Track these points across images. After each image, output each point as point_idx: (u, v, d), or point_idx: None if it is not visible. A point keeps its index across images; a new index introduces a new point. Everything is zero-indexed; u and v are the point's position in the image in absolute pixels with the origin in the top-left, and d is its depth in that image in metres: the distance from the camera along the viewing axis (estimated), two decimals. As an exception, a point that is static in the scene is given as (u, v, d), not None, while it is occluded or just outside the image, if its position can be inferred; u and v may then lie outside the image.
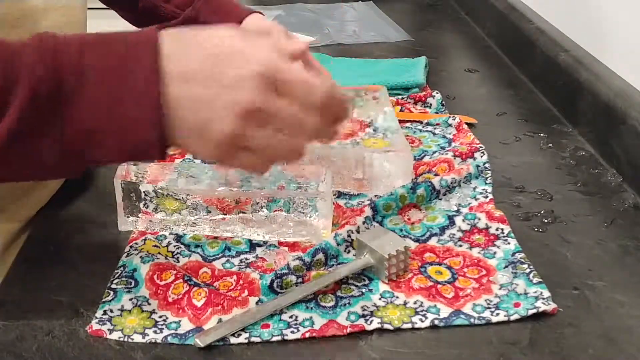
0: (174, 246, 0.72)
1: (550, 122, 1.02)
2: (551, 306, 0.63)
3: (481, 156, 0.86)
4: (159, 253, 0.70)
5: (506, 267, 0.69)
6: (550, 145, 0.95)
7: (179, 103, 0.52)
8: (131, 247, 0.71)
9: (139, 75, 0.51)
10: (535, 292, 0.65)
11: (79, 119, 0.52)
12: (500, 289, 0.66)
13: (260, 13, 0.90)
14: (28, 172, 0.56)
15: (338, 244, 0.70)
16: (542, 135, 0.97)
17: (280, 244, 0.73)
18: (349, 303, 0.65)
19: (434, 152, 0.90)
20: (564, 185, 0.85)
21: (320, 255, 0.69)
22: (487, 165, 0.85)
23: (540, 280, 0.66)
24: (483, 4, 1.43)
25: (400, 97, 1.07)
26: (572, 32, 1.10)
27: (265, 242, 0.73)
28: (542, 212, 0.79)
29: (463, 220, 0.75)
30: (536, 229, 0.76)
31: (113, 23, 2.09)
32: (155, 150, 0.53)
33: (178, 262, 0.70)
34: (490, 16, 1.39)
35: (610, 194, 0.83)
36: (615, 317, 0.63)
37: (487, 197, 0.80)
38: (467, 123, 0.98)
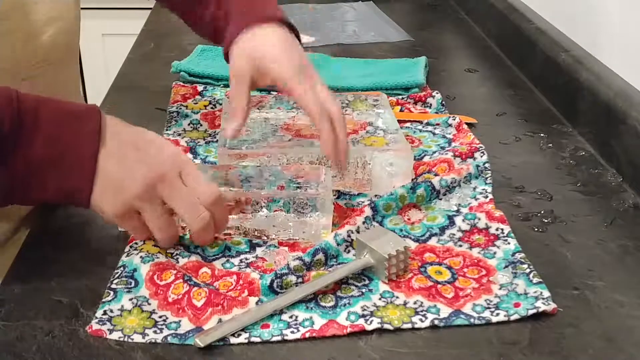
0: (173, 247, 0.72)
1: (550, 122, 1.02)
2: (551, 306, 0.63)
3: (481, 156, 0.86)
4: (159, 252, 0.70)
5: (506, 267, 0.69)
6: (550, 145, 0.95)
7: (107, 165, 0.65)
8: (131, 247, 0.71)
9: (84, 135, 0.65)
10: (535, 292, 0.65)
11: (30, 159, 0.63)
12: (500, 289, 0.66)
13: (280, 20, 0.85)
14: None
15: (338, 244, 0.70)
16: (542, 135, 0.97)
17: (280, 244, 0.73)
18: (349, 303, 0.65)
19: (434, 152, 0.90)
20: (564, 185, 0.85)
21: (320, 256, 0.69)
22: (487, 165, 0.85)
23: (540, 280, 0.66)
24: (483, 4, 1.43)
25: (400, 97, 1.07)
26: (572, 32, 1.10)
27: (265, 242, 0.73)
28: (542, 212, 0.79)
29: (463, 220, 0.75)
30: (536, 229, 0.76)
31: (111, 23, 2.07)
32: (84, 198, 0.66)
33: (178, 262, 0.70)
34: (490, 16, 1.39)
35: (610, 194, 0.83)
36: (615, 317, 0.63)
37: (487, 197, 0.80)
38: (467, 123, 0.98)
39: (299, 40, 0.85)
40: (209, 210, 0.68)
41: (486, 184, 0.83)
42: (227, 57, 0.85)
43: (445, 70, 1.22)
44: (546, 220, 0.78)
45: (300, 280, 0.66)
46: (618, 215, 0.79)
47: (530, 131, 0.99)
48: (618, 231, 0.76)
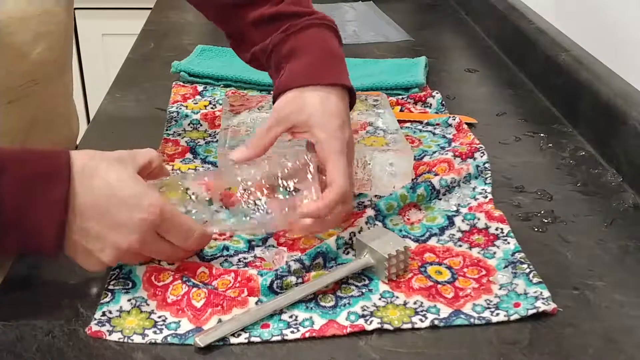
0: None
1: (550, 122, 1.02)
2: (551, 306, 0.63)
3: (481, 156, 0.86)
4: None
5: (506, 267, 0.69)
6: (550, 145, 0.95)
7: (75, 233, 0.62)
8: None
9: (50, 201, 0.61)
10: (535, 292, 0.65)
11: None
12: (500, 289, 0.66)
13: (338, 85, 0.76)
14: None
15: (338, 247, 0.70)
16: (542, 135, 0.97)
17: (280, 244, 0.73)
18: (349, 303, 0.65)
19: (434, 152, 0.90)
20: (564, 185, 0.85)
21: (320, 260, 0.69)
22: (487, 165, 0.85)
23: (540, 280, 0.66)
24: (483, 4, 1.43)
25: (400, 97, 1.07)
26: (572, 32, 1.10)
27: (264, 242, 0.73)
28: (542, 212, 0.79)
29: (462, 221, 0.75)
30: (536, 229, 0.76)
31: (111, 23, 2.08)
32: (53, 255, 0.63)
33: (173, 263, 0.70)
34: (490, 16, 1.39)
35: (610, 194, 0.83)
36: (615, 317, 0.63)
37: (486, 197, 0.80)
38: (467, 123, 0.98)
39: (354, 102, 0.79)
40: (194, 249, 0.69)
41: (486, 184, 0.83)
42: (278, 91, 0.77)
43: (445, 70, 1.22)
44: (546, 220, 0.78)
45: (300, 280, 0.66)
46: (618, 215, 0.79)
47: (530, 131, 0.99)
48: (618, 231, 0.76)
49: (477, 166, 0.84)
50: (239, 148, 0.75)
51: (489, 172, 0.85)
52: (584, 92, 0.97)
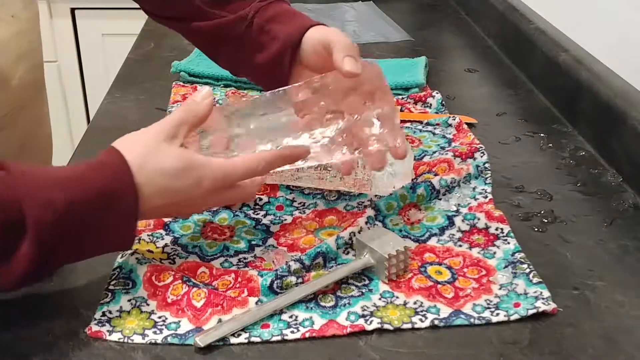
0: (171, 248, 0.72)
1: (550, 122, 1.02)
2: (551, 306, 0.63)
3: (481, 156, 0.86)
4: (153, 259, 0.69)
5: (506, 267, 0.69)
6: (550, 145, 0.95)
7: (152, 216, 0.68)
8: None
9: (120, 216, 0.61)
10: (535, 292, 0.65)
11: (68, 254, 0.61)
12: (500, 289, 0.66)
13: (323, 24, 0.79)
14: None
15: (338, 248, 0.70)
16: (542, 135, 0.97)
17: (279, 244, 0.73)
18: (349, 303, 0.65)
19: (434, 152, 0.90)
20: (564, 185, 0.85)
21: (320, 260, 0.69)
22: (487, 165, 0.85)
23: (540, 280, 0.66)
24: (483, 4, 1.43)
25: (400, 97, 1.07)
26: (572, 32, 1.10)
27: (264, 242, 0.73)
28: (542, 212, 0.79)
29: (462, 221, 0.75)
30: (536, 229, 0.76)
31: (111, 23, 2.07)
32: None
33: (174, 263, 0.70)
34: (490, 16, 1.39)
35: (610, 194, 0.83)
36: (615, 317, 0.63)
37: (486, 197, 0.80)
38: (467, 123, 0.98)
39: None
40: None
41: (486, 184, 0.83)
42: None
43: (445, 70, 1.22)
44: (546, 220, 0.78)
45: (300, 280, 0.66)
46: (618, 215, 0.79)
47: (530, 131, 0.99)
48: (618, 231, 0.76)
49: (477, 166, 0.84)
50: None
51: (489, 172, 0.85)
52: (584, 92, 0.97)
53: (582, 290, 0.66)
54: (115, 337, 0.61)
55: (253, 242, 0.74)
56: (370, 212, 0.75)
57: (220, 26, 0.83)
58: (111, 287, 0.66)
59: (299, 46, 0.78)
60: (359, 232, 0.72)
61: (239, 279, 0.67)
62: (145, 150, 0.63)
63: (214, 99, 0.69)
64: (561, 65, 1.04)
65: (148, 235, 0.73)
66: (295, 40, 0.78)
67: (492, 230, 0.74)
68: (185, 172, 0.64)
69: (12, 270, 0.57)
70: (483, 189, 0.82)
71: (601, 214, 0.79)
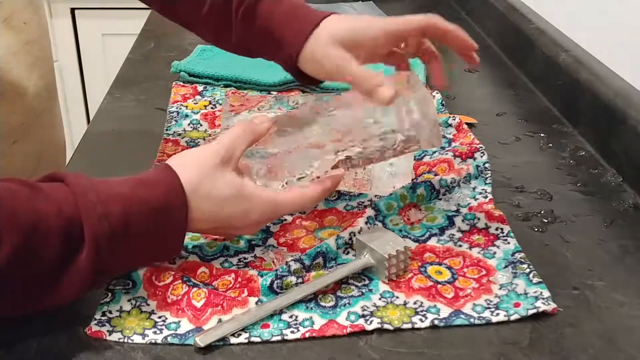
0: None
1: (550, 122, 1.01)
2: (551, 306, 0.63)
3: (481, 156, 0.86)
4: None
5: (506, 267, 0.69)
6: (550, 145, 0.95)
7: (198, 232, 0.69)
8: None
9: (171, 232, 0.63)
10: (535, 292, 0.65)
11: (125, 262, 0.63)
12: (500, 289, 0.66)
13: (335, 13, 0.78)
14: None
15: (338, 248, 0.70)
16: (542, 135, 0.97)
17: (279, 244, 0.73)
18: (349, 303, 0.65)
19: (434, 152, 0.90)
20: (564, 185, 0.85)
21: (320, 260, 0.69)
22: (487, 165, 0.85)
23: (540, 280, 0.66)
24: (483, 4, 1.43)
25: (400, 97, 1.06)
26: (572, 32, 1.10)
27: (264, 242, 0.73)
28: (542, 212, 0.79)
29: (462, 221, 0.75)
30: (536, 229, 0.76)
31: (111, 23, 2.07)
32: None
33: (174, 263, 0.70)
34: (490, 16, 1.39)
35: (610, 194, 0.83)
36: (615, 317, 0.63)
37: (486, 197, 0.80)
38: (467, 123, 0.98)
39: None
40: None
41: (486, 184, 0.83)
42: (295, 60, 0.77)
43: (445, 71, 1.22)
44: (546, 220, 0.78)
45: (300, 280, 0.66)
46: (618, 215, 0.79)
47: (530, 131, 0.99)
48: (618, 231, 0.76)
49: (477, 166, 0.84)
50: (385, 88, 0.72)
51: (489, 172, 0.85)
52: (584, 92, 0.97)
53: (582, 290, 0.66)
54: (115, 337, 0.61)
55: (253, 242, 0.74)
56: (370, 212, 0.75)
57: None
58: (111, 287, 0.66)
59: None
60: (359, 232, 0.72)
61: (239, 279, 0.67)
62: (199, 172, 0.65)
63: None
64: (561, 65, 1.04)
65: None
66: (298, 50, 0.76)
67: (492, 230, 0.74)
68: (236, 201, 0.66)
69: (71, 282, 0.58)
70: (483, 189, 0.82)
71: (601, 214, 0.79)
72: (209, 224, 0.66)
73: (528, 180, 0.86)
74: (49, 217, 0.57)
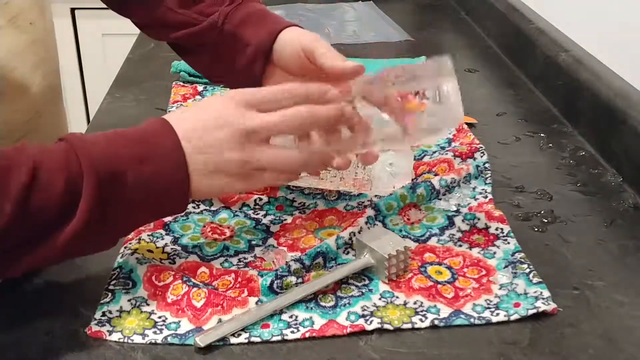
0: (171, 248, 0.72)
1: (550, 122, 1.02)
2: (551, 306, 0.63)
3: (481, 156, 0.86)
4: (153, 258, 0.69)
5: (506, 267, 0.69)
6: (550, 145, 0.95)
7: (196, 167, 0.63)
8: (125, 248, 0.71)
9: (168, 160, 0.61)
10: (535, 292, 0.65)
11: (127, 204, 0.61)
12: (500, 289, 0.66)
13: (297, 26, 0.81)
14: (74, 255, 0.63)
15: (338, 248, 0.70)
16: (542, 135, 0.97)
17: (279, 244, 0.73)
18: (349, 303, 0.65)
19: (434, 152, 0.90)
20: (564, 185, 0.85)
21: (320, 260, 0.69)
22: (487, 165, 0.85)
23: (540, 280, 0.66)
24: (483, 4, 1.43)
25: (400, 97, 1.06)
26: (572, 32, 1.10)
27: (264, 242, 0.73)
28: (542, 212, 0.79)
29: (462, 221, 0.75)
30: (536, 229, 0.76)
31: (111, 23, 2.07)
32: (181, 211, 0.65)
33: (174, 263, 0.70)
34: (490, 16, 1.39)
35: (610, 194, 0.83)
36: (615, 317, 0.63)
37: (486, 197, 0.80)
38: (467, 123, 0.98)
39: None
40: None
41: (486, 184, 0.83)
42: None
43: (445, 70, 1.22)
44: (546, 220, 0.78)
45: (300, 280, 0.66)
46: (618, 215, 0.79)
47: (530, 131, 0.99)
48: (618, 231, 0.76)
49: (477, 166, 0.84)
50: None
51: (489, 172, 0.85)
52: (584, 92, 0.97)
53: (582, 290, 0.66)
54: (115, 337, 0.61)
55: (253, 242, 0.74)
56: (370, 212, 0.75)
57: (192, 35, 0.84)
58: (111, 287, 0.66)
59: (271, 51, 0.79)
60: (359, 232, 0.72)
61: (239, 279, 0.67)
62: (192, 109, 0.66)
63: None
64: (561, 65, 1.04)
65: (148, 235, 0.73)
66: (267, 45, 0.79)
67: (492, 230, 0.74)
68: (214, 115, 0.63)
69: (75, 221, 0.58)
70: (483, 189, 0.82)
71: (601, 214, 0.79)
72: (201, 153, 0.62)
73: (528, 180, 0.86)
74: (52, 156, 0.58)
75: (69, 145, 0.60)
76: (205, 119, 0.64)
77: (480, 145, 0.88)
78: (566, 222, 0.77)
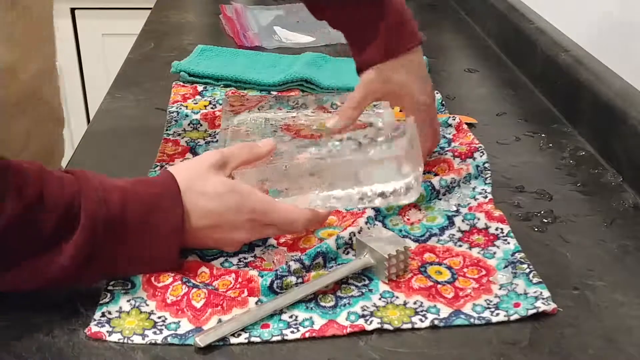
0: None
1: (550, 122, 1.02)
2: (551, 306, 0.63)
3: (481, 156, 0.86)
4: None
5: (506, 267, 0.69)
6: (550, 145, 0.95)
7: (195, 240, 0.69)
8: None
9: (166, 228, 0.65)
10: (535, 292, 0.65)
11: (124, 252, 0.64)
12: (500, 289, 0.66)
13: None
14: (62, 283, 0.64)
15: (338, 248, 0.70)
16: (542, 135, 0.97)
17: (279, 244, 0.73)
18: (349, 303, 0.65)
19: (434, 152, 0.90)
20: (564, 185, 0.85)
21: (320, 260, 0.69)
22: (486, 165, 0.85)
23: (540, 280, 0.66)
24: (483, 4, 1.43)
25: (400, 97, 1.06)
26: (572, 32, 1.10)
27: (264, 242, 0.73)
28: (542, 212, 0.79)
29: (462, 221, 0.75)
30: (536, 229, 0.76)
31: (111, 23, 2.08)
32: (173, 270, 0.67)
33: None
34: (490, 16, 1.39)
35: (610, 194, 0.83)
36: (615, 317, 0.63)
37: (486, 197, 0.80)
38: (467, 123, 0.98)
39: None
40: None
41: (485, 184, 0.83)
42: (362, 66, 0.84)
43: (445, 70, 1.22)
44: (546, 220, 0.78)
45: (300, 280, 0.66)
46: (618, 215, 0.79)
47: (530, 131, 0.99)
48: (618, 231, 0.76)
49: (477, 166, 0.84)
50: (333, 116, 0.83)
51: (489, 172, 0.85)
52: (584, 92, 0.97)
53: (582, 290, 0.66)
54: (115, 337, 0.61)
55: (253, 242, 0.73)
56: (370, 212, 0.75)
57: None
58: (110, 288, 0.66)
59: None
60: (359, 232, 0.72)
61: (239, 279, 0.67)
62: (193, 174, 0.68)
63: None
64: (561, 65, 1.04)
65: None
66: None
67: (492, 230, 0.74)
68: (228, 195, 0.68)
69: (62, 257, 0.60)
70: (483, 189, 0.82)
71: (601, 214, 0.79)
72: (206, 219, 0.67)
73: (528, 180, 0.86)
74: (52, 194, 0.60)
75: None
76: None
77: (480, 145, 0.88)
78: (566, 222, 0.77)
